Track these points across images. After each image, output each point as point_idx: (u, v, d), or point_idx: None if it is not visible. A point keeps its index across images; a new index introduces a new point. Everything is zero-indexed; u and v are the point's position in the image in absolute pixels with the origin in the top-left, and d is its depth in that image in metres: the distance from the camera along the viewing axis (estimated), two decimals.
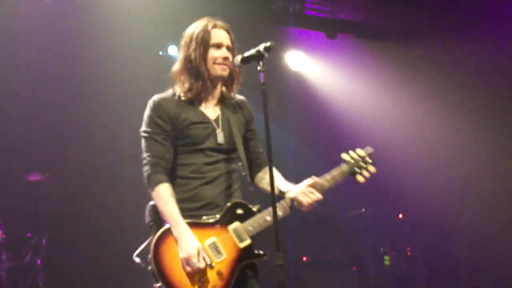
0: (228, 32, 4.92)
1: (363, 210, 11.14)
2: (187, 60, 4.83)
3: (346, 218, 11.47)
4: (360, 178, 4.93)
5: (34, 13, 9.94)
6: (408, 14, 11.11)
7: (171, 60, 11.08)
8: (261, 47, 4.48)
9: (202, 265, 4.49)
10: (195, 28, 4.89)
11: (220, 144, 4.79)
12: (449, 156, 11.51)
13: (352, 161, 4.94)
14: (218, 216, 4.68)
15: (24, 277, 9.66)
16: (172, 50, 11.12)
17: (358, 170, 4.94)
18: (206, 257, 4.54)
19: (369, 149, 5.03)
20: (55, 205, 10.58)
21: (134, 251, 4.77)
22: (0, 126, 10.49)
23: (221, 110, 4.94)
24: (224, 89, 5.00)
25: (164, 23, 10.51)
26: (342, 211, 11.46)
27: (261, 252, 4.69)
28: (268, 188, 4.50)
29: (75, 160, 10.96)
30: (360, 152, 4.99)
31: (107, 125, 11.12)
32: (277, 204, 4.66)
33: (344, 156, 4.94)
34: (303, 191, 4.79)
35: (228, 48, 4.86)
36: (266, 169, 4.87)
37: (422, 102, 11.47)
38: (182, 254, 4.48)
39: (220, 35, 4.86)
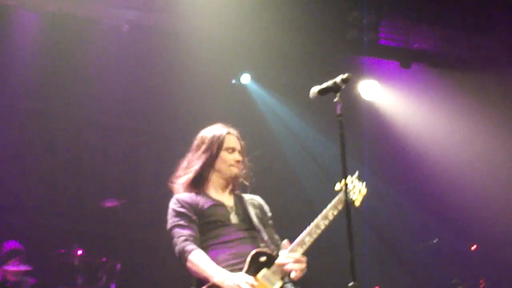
0: (239, 139, 5.35)
1: (435, 241, 11.00)
2: (198, 160, 5.25)
3: (418, 249, 11.33)
4: (357, 203, 5.13)
5: (111, 41, 10.15)
6: (483, 43, 11.00)
7: (242, 89, 11.23)
8: (338, 78, 4.50)
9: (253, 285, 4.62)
10: (209, 132, 5.35)
11: (236, 224, 5.01)
12: None
13: (346, 188, 4.88)
14: (244, 269, 4.77)
15: None
16: (245, 78, 11.23)
17: (353, 198, 5.13)
18: None
19: (356, 173, 5.22)
20: (130, 230, 10.71)
21: None
22: (77, 152, 10.71)
23: (234, 199, 5.22)
24: (233, 185, 5.30)
25: (239, 52, 10.59)
26: (414, 241, 11.35)
27: None
28: None
29: (149, 186, 11.10)
30: (349, 179, 5.13)
31: (180, 152, 11.24)
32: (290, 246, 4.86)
33: (337, 187, 4.96)
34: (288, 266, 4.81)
35: (239, 152, 5.27)
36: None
37: (499, 133, 11.29)
38: (231, 283, 4.62)
39: (233, 140, 5.30)
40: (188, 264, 4.80)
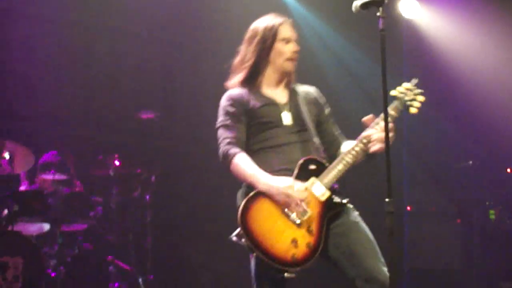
0: (294, 27, 5.15)
1: (470, 162, 10.97)
2: (251, 55, 5.07)
3: (453, 170, 11.30)
4: (413, 110, 4.99)
5: None
6: None
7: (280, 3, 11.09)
8: None
9: (303, 195, 4.60)
10: (261, 24, 5.14)
11: (288, 125, 4.90)
12: None
13: (401, 95, 4.99)
14: (294, 175, 4.71)
15: (133, 211, 9.94)
16: None
17: (409, 103, 4.98)
18: (293, 216, 4.59)
19: (414, 81, 5.12)
20: (165, 142, 10.79)
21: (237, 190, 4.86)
22: (114, 63, 10.72)
23: (289, 95, 5.08)
24: (288, 79, 5.17)
25: None
26: (449, 162, 11.31)
27: (343, 200, 4.75)
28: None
29: (185, 99, 11.12)
30: (407, 85, 5.06)
31: (216, 65, 11.22)
32: (344, 151, 4.85)
33: (393, 92, 4.96)
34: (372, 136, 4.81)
35: (295, 42, 5.09)
36: (344, 144, 5.06)
37: None
38: (279, 196, 4.56)
39: (288, 30, 5.09)
40: (232, 167, 4.76)
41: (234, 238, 4.62)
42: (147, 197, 9.85)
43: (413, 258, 10.99)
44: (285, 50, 5.02)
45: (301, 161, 4.74)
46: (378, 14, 4.39)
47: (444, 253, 10.81)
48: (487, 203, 10.97)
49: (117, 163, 9.58)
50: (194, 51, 11.23)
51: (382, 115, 4.67)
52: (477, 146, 11.17)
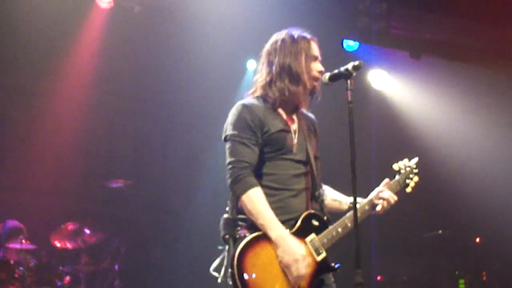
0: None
1: (440, 231, 11.01)
2: (286, 66, 4.68)
3: (423, 239, 11.34)
4: (409, 189, 4.98)
5: (122, 23, 10.11)
6: (495, 35, 10.90)
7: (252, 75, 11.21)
8: (349, 65, 4.44)
9: (305, 271, 4.43)
10: (292, 35, 4.78)
11: (295, 155, 4.67)
12: None
13: (404, 171, 4.98)
14: (296, 227, 4.55)
15: (101, 281, 9.83)
16: (251, 64, 11.23)
17: (408, 181, 4.97)
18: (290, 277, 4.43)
19: (415, 159, 5.07)
20: (134, 211, 10.75)
21: (209, 260, 4.73)
22: (84, 133, 10.72)
23: (298, 121, 4.80)
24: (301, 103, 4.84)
25: (247, 37, 10.53)
26: (419, 232, 11.35)
27: (335, 265, 4.59)
28: (333, 204, 4.82)
29: (154, 168, 11.13)
30: (407, 162, 5.04)
31: (187, 136, 11.27)
32: (347, 215, 4.68)
33: (395, 166, 4.96)
34: (381, 194, 4.80)
35: (320, 62, 4.78)
36: (324, 187, 4.94)
37: (509, 128, 11.26)
38: (290, 256, 4.37)
39: (316, 48, 4.78)
40: (245, 199, 4.45)
41: (215, 274, 4.50)
42: (116, 266, 9.75)
43: None
44: (312, 68, 4.72)
45: (305, 214, 4.58)
46: (346, 87, 4.43)
47: None
48: (456, 272, 11.00)
49: (87, 231, 9.49)
50: (164, 121, 11.28)
51: (395, 180, 4.87)
52: (446, 216, 11.25)
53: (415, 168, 5.03)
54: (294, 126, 4.76)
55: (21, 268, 8.77)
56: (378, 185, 4.92)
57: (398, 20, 11.00)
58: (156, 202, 11.12)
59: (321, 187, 4.89)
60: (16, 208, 9.88)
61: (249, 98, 4.77)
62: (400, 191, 4.94)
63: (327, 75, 4.62)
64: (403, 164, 5.01)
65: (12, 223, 9.31)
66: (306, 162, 4.73)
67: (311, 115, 5.00)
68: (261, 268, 4.38)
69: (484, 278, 11.13)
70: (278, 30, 4.92)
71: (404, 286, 11.12)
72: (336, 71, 4.58)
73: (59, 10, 9.53)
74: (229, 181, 4.57)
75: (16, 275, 8.56)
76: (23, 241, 8.98)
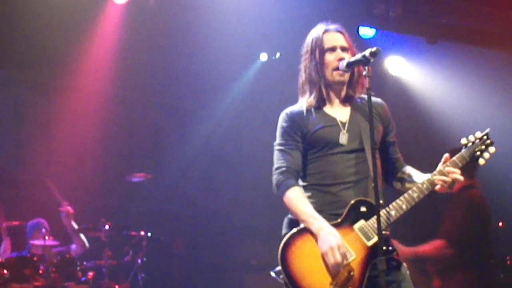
0: (341, 33, 4.85)
1: None
2: (306, 71, 4.83)
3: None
4: (481, 161, 4.80)
5: (138, 17, 10.13)
6: None
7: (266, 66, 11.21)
8: (367, 52, 4.44)
9: (341, 259, 4.39)
10: (310, 37, 4.89)
11: (345, 146, 4.67)
12: None
13: (471, 144, 4.80)
14: (342, 215, 4.56)
15: (125, 275, 9.88)
16: (263, 57, 11.29)
17: (478, 154, 4.80)
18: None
19: (487, 130, 4.89)
20: (155, 205, 10.78)
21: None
22: (104, 128, 10.76)
23: (351, 111, 4.82)
24: (350, 91, 4.86)
25: (262, 29, 10.52)
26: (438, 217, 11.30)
27: (390, 248, 4.57)
28: (409, 186, 4.69)
29: (174, 161, 11.15)
30: (478, 134, 4.85)
31: (204, 127, 11.29)
32: (410, 191, 4.64)
33: (463, 140, 4.80)
34: (442, 172, 4.65)
35: (343, 49, 4.78)
36: (405, 169, 4.90)
37: None
38: (326, 245, 4.38)
39: (332, 38, 4.81)
40: (285, 200, 4.59)
41: (273, 274, 4.55)
42: (139, 260, 9.80)
43: None
44: (330, 59, 4.77)
45: (352, 202, 4.58)
46: (364, 73, 4.44)
47: None
48: None
49: (107, 227, 9.54)
50: (183, 113, 11.30)
51: (459, 155, 4.70)
52: None
53: (487, 139, 4.85)
54: (343, 118, 4.78)
55: (45, 264, 8.83)
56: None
57: (415, 5, 10.95)
58: (177, 195, 11.16)
59: (398, 172, 4.92)
60: (37, 205, 9.94)
61: (298, 102, 4.89)
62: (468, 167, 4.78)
63: (344, 62, 4.66)
64: (473, 137, 4.82)
65: (36, 219, 9.40)
66: (361, 150, 4.71)
67: (378, 100, 4.97)
68: (304, 259, 4.45)
69: (508, 262, 11.08)
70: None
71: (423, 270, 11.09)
72: (352, 58, 4.62)
73: (75, 6, 9.55)
74: (273, 188, 4.70)
75: (40, 271, 8.60)
76: (46, 237, 9.05)
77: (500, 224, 11.30)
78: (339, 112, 4.81)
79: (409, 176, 4.85)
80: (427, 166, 4.86)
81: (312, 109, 4.78)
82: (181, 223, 11.03)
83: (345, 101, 4.85)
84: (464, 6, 10.78)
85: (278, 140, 4.80)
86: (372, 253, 4.49)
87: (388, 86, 11.51)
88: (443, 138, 10.89)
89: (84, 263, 9.40)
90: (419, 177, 4.77)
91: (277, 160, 4.74)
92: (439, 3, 10.80)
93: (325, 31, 4.84)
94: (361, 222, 4.56)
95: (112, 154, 10.80)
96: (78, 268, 9.18)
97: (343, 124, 4.74)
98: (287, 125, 4.77)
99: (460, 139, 4.82)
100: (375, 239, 4.49)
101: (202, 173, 11.47)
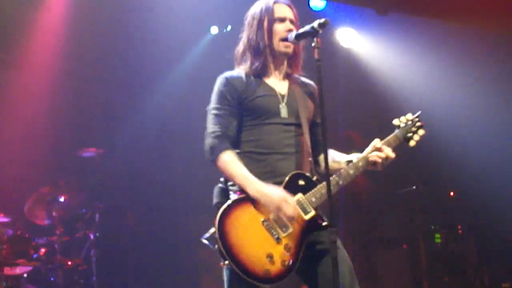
0: (290, 7, 4.91)
1: (414, 187, 11.07)
2: (251, 39, 4.85)
3: (396, 196, 11.40)
4: (412, 143, 4.92)
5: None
6: None
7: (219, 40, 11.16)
8: (315, 23, 4.46)
9: (294, 211, 4.46)
10: (257, 7, 4.93)
11: (284, 118, 4.72)
12: (503, 133, 11.37)
13: (404, 125, 4.92)
14: (281, 187, 4.54)
15: (77, 251, 9.82)
16: (214, 30, 11.25)
17: (410, 135, 4.91)
18: (273, 231, 4.45)
19: (418, 112, 5.01)
20: (107, 180, 10.71)
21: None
22: (54, 102, 10.64)
23: (289, 85, 4.89)
24: (287, 68, 4.94)
25: (209, 5, 10.47)
26: (392, 189, 11.40)
27: (325, 222, 4.58)
28: (333, 165, 4.72)
29: (126, 136, 11.08)
30: (409, 116, 4.98)
31: (156, 102, 11.22)
32: (345, 168, 4.70)
33: (396, 121, 4.92)
34: (377, 149, 4.76)
35: (291, 22, 4.84)
36: (331, 153, 4.92)
37: (475, 81, 11.31)
38: (271, 205, 4.41)
39: (283, 10, 4.87)
40: (219, 164, 4.58)
41: (205, 241, 4.46)
42: (91, 236, 9.75)
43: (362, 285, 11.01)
44: (280, 29, 4.82)
45: (291, 174, 4.59)
46: (313, 44, 4.43)
47: (393, 278, 10.86)
48: (432, 227, 11.09)
49: (61, 199, 9.47)
50: (134, 88, 11.21)
51: (393, 135, 4.84)
52: (419, 171, 11.31)
53: (418, 121, 4.96)
54: (282, 91, 4.82)
55: None
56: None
57: None
58: (129, 170, 11.08)
59: (320, 154, 4.90)
60: None
61: (233, 71, 4.89)
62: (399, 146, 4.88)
63: (293, 34, 4.69)
64: (405, 119, 4.95)
65: None
66: (298, 125, 4.76)
67: (311, 82, 5.06)
68: (242, 231, 4.41)
69: (460, 231, 11.24)
70: None
71: (380, 243, 11.20)
72: (301, 29, 4.64)
73: None
74: (205, 152, 4.67)
75: None
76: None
77: (452, 193, 11.45)
78: (278, 84, 4.86)
79: (333, 157, 4.91)
80: (379, 137, 4.90)
81: (252, 77, 4.80)
82: (133, 197, 10.98)
83: (284, 75, 4.92)
84: None
85: (213, 104, 4.79)
86: (308, 227, 4.54)
87: (340, 58, 11.51)
88: (395, 110, 10.94)
89: (36, 239, 9.30)
90: (342, 157, 4.88)
91: (212, 125, 4.72)
92: None
93: (276, 2, 4.88)
94: (299, 196, 4.57)
95: (63, 129, 10.66)
96: (30, 245, 9.10)
97: (282, 96, 4.80)
98: (225, 90, 4.76)
99: (394, 119, 4.90)
100: (312, 213, 4.55)
101: (154, 146, 11.40)
